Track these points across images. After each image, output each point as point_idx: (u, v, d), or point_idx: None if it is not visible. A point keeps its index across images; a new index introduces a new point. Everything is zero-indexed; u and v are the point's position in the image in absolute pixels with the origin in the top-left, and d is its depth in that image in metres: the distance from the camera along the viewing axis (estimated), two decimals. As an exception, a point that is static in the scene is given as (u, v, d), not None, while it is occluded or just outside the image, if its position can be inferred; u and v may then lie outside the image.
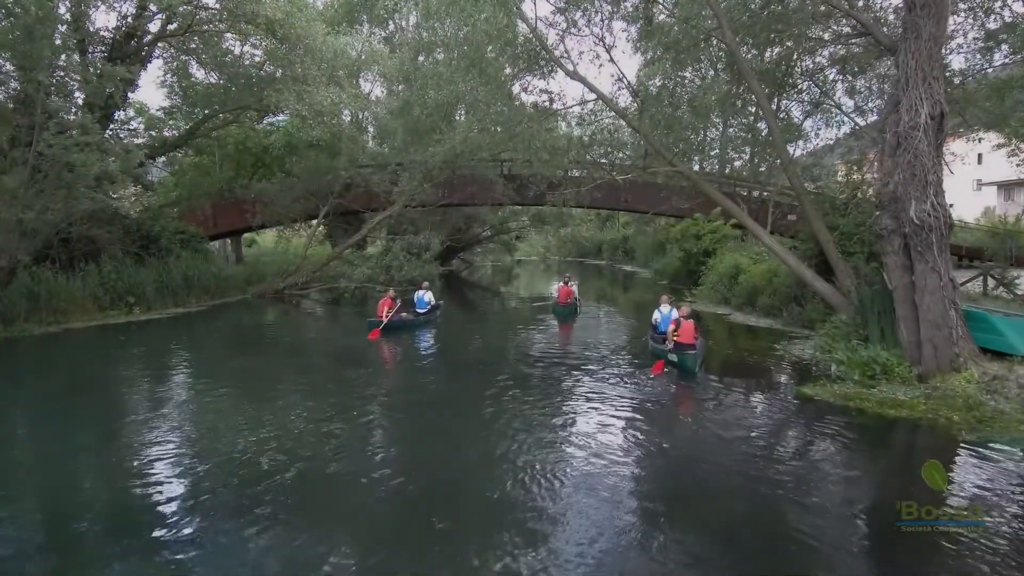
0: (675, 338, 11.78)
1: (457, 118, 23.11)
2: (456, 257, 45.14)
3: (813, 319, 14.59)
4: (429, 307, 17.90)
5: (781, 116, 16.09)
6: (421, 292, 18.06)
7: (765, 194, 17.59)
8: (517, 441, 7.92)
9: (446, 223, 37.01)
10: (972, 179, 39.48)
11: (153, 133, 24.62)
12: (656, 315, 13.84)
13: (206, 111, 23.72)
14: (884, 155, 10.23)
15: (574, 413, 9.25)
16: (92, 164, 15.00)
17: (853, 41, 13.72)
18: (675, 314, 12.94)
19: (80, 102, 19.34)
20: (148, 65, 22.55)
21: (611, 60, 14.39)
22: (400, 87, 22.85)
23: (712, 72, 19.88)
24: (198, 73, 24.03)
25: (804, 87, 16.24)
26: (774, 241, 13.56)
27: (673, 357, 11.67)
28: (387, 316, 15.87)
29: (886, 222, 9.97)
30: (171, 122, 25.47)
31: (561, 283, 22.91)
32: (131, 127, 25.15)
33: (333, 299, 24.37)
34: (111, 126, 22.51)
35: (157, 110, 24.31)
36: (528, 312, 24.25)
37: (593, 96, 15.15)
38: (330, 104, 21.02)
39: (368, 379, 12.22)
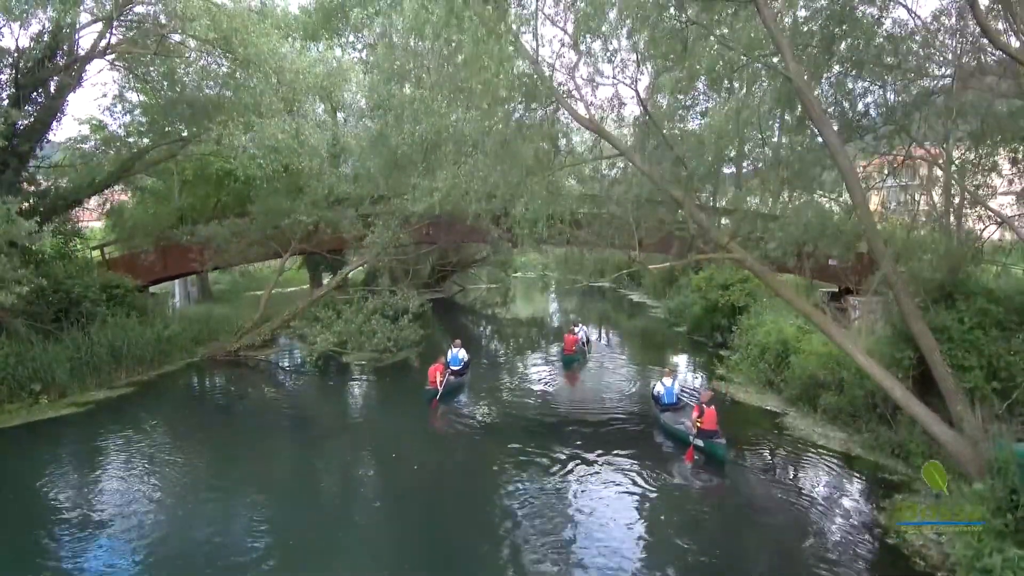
0: (698, 424, 11.96)
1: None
2: (449, 279, 41.51)
3: (910, 450, 10.95)
4: (463, 364, 17.63)
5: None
6: (455, 350, 17.73)
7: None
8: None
9: (435, 248, 33.39)
10: None
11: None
12: (659, 387, 14.45)
13: (144, 140, 19.89)
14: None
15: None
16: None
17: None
18: (677, 387, 14.67)
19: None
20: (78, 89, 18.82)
21: (643, 107, 10.49)
22: (373, 119, 19.02)
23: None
24: (133, 96, 20.36)
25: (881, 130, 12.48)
26: (872, 363, 9.83)
27: (699, 443, 11.92)
28: (440, 384, 15.64)
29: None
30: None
31: (568, 332, 21.53)
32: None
33: (300, 362, 20.76)
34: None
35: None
36: (531, 352, 25.15)
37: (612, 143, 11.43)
38: (286, 137, 17.22)
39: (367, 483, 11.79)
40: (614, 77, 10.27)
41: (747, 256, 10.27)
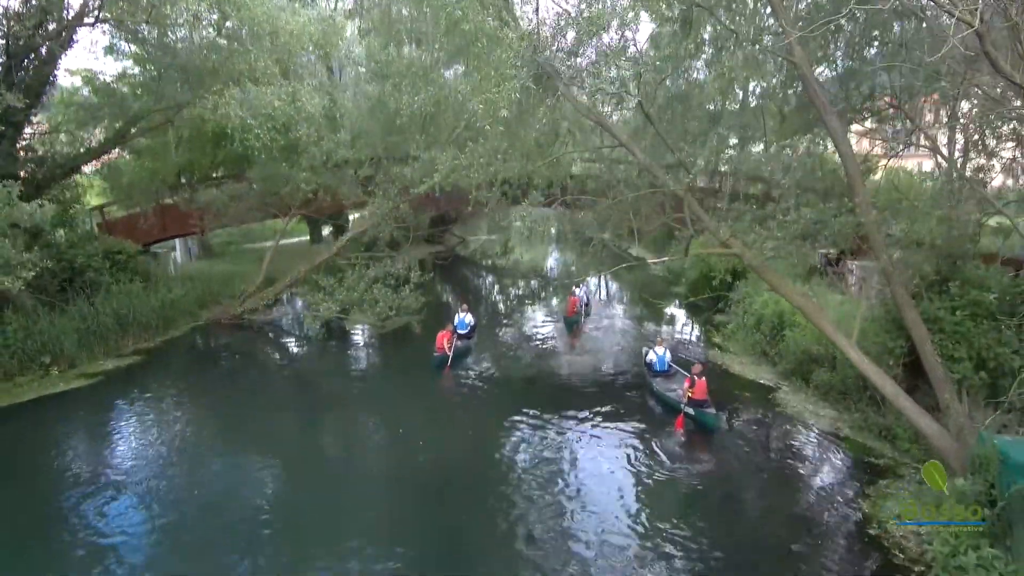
0: (690, 395, 12.81)
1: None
2: (448, 231, 41.36)
3: (896, 434, 11.33)
4: (469, 328, 18.48)
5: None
6: (462, 314, 18.61)
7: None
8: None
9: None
10: None
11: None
12: (652, 355, 15.43)
13: (137, 102, 19.46)
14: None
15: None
16: None
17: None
18: (669, 356, 15.38)
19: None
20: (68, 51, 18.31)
21: (644, 114, 10.30)
22: (371, 81, 18.67)
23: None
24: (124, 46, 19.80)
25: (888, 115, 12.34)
26: (863, 358, 10.06)
27: (690, 411, 12.80)
28: (450, 349, 16.29)
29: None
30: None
31: (570, 294, 22.21)
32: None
33: (304, 325, 20.96)
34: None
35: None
36: (532, 305, 26.49)
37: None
38: (283, 104, 16.94)
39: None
40: (616, 67, 10.05)
41: (746, 251, 10.38)
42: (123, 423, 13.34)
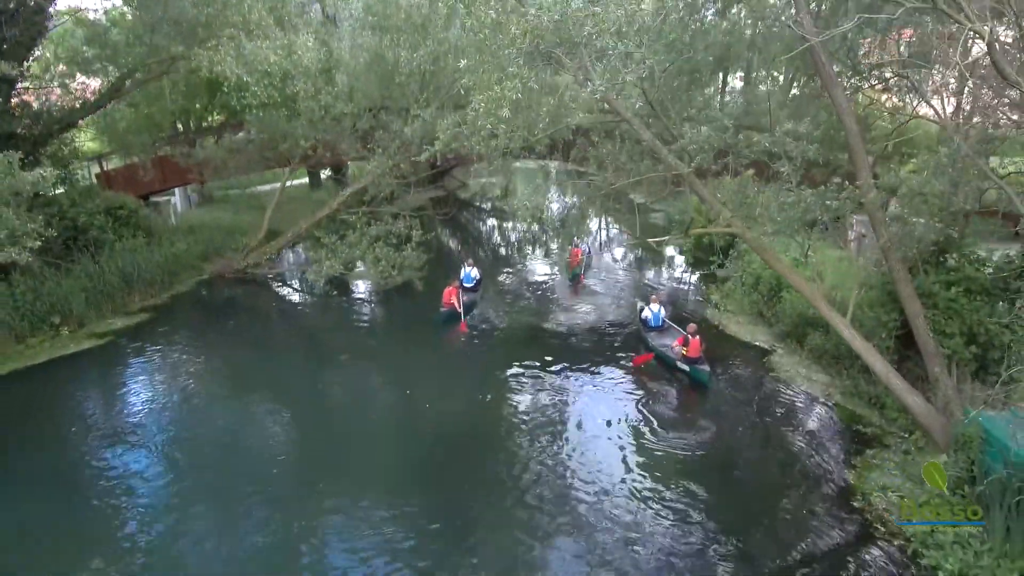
0: (684, 352, 13.33)
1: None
2: (448, 175, 40.87)
3: (885, 403, 11.66)
4: (475, 282, 18.77)
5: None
6: (468, 268, 18.88)
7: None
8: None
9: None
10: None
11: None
12: (647, 312, 15.76)
13: (130, 58, 18.94)
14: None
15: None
16: None
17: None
18: (663, 312, 15.79)
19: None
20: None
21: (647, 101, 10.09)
22: (369, 29, 18.05)
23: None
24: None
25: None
26: (855, 335, 10.31)
27: (684, 367, 13.43)
28: (459, 305, 16.62)
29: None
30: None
31: (572, 246, 22.48)
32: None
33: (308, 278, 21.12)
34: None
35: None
36: (533, 252, 26.87)
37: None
38: (279, 59, 16.56)
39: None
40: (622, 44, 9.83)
41: (747, 232, 10.48)
42: (136, 382, 13.80)
